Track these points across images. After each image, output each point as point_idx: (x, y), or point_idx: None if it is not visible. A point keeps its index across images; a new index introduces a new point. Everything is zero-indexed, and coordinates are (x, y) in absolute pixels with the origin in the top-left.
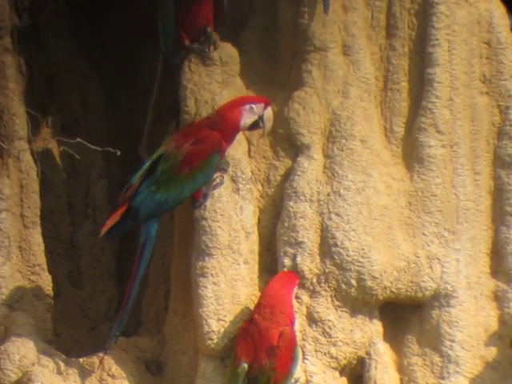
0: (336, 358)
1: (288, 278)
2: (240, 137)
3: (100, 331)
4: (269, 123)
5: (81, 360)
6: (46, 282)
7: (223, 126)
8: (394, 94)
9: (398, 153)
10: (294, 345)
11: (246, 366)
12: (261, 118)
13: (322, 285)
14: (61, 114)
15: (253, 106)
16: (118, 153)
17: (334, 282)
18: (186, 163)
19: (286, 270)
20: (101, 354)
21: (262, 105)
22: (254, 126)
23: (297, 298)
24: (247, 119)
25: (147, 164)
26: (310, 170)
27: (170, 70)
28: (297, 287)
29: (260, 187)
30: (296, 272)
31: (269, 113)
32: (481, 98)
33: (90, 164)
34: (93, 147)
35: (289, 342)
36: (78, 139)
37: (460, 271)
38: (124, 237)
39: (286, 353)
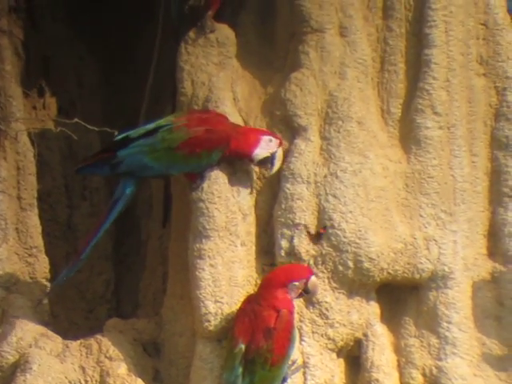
0: (333, 340)
1: (295, 269)
2: (237, 119)
3: (97, 313)
4: (278, 163)
5: (78, 342)
6: (43, 264)
7: (239, 138)
8: (391, 75)
9: (394, 134)
10: (291, 327)
11: (243, 346)
12: (273, 155)
13: (319, 266)
14: (57, 95)
15: (272, 139)
16: (116, 133)
17: (330, 264)
18: (189, 145)
19: (283, 252)
20: (98, 336)
21: (278, 142)
22: (264, 161)
23: None
24: (262, 150)
25: (152, 125)
26: (307, 152)
27: (174, 36)
28: (303, 281)
29: (257, 169)
30: (293, 254)
31: (280, 153)
32: (478, 80)
33: (87, 145)
34: (90, 127)
35: (286, 324)
36: (76, 119)
37: (457, 253)
38: (121, 219)
39: (283, 335)
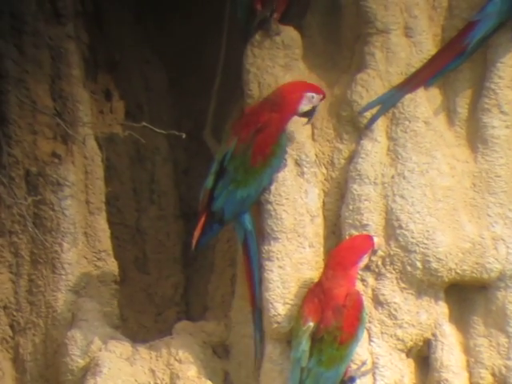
0: (402, 340)
1: (359, 242)
2: (304, 120)
3: (166, 316)
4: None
5: (147, 345)
6: (112, 267)
7: (283, 107)
8: (457, 74)
9: (461, 134)
10: (361, 306)
11: (311, 324)
12: (314, 108)
13: (388, 267)
14: (124, 99)
15: (314, 95)
16: (184, 136)
17: (399, 264)
18: (258, 153)
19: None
20: (168, 339)
21: (321, 96)
22: (306, 113)
23: (362, 280)
24: (304, 106)
25: (215, 165)
26: (374, 153)
27: (244, 38)
28: (370, 251)
29: (324, 170)
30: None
31: (320, 106)
32: None
33: (155, 149)
34: (158, 131)
35: (355, 303)
36: (143, 123)
37: None
38: (190, 221)
39: (353, 313)
